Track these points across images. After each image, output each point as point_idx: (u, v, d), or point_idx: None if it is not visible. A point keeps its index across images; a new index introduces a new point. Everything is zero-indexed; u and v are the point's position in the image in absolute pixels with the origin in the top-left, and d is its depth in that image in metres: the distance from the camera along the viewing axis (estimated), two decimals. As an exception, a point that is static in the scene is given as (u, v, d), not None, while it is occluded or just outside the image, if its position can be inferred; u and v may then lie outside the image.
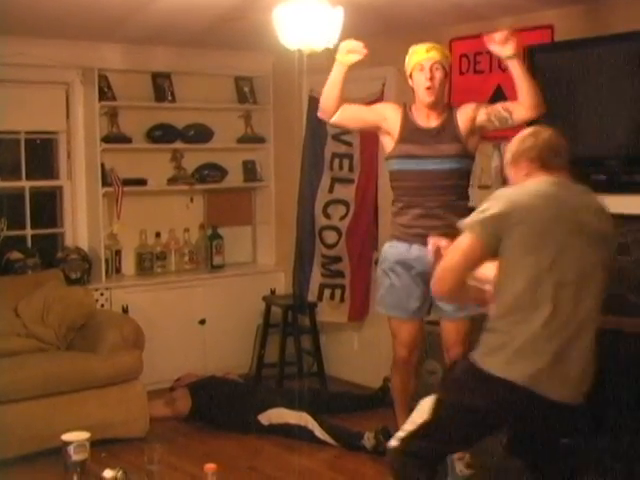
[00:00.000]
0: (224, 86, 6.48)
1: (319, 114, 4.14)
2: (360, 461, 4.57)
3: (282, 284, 6.47)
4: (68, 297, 5.22)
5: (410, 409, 3.59)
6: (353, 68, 5.63)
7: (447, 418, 2.87)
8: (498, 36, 3.81)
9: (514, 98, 4.59)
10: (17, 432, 4.50)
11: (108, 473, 3.17)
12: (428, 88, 3.84)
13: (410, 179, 3.94)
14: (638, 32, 3.93)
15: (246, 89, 6.53)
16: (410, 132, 3.92)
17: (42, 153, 5.96)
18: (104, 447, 3.73)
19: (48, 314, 5.08)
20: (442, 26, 5.13)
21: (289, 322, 6.04)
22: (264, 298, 6.22)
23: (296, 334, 6.01)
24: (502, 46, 3.81)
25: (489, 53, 4.94)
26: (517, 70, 3.81)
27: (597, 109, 4.04)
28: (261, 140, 6.57)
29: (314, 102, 6.10)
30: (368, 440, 4.72)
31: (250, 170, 6.62)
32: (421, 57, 3.86)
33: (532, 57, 4.32)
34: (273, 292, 6.41)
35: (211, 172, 6.42)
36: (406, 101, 4.13)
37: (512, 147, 3.01)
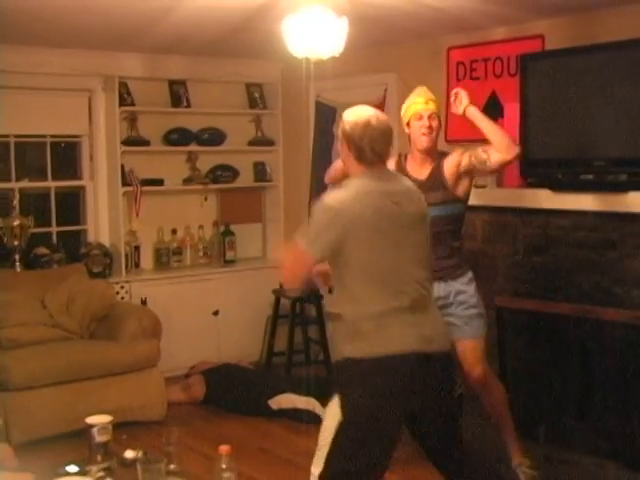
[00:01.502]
0: (236, 92, 6.49)
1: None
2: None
3: (291, 277, 6.48)
4: (91, 290, 5.24)
5: None
6: (356, 74, 5.67)
7: (356, 417, 2.79)
8: (452, 100, 3.90)
9: (509, 102, 4.62)
10: (45, 415, 4.55)
11: (129, 454, 3.18)
12: (424, 134, 3.84)
13: None
14: (623, 42, 3.94)
15: (256, 95, 6.55)
16: None
17: (66, 155, 5.99)
18: (125, 429, 3.75)
19: (72, 305, 5.11)
20: (440, 35, 5.15)
21: (297, 313, 6.06)
22: (274, 291, 6.23)
23: (304, 324, 6.05)
24: (457, 105, 3.87)
25: (484, 61, 5.01)
26: (476, 117, 3.82)
27: (585, 113, 4.04)
28: (270, 143, 6.59)
29: (320, 107, 6.14)
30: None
31: (260, 171, 6.64)
32: (420, 107, 3.86)
33: (524, 65, 4.33)
34: (282, 285, 6.42)
35: (224, 173, 6.44)
36: (402, 151, 4.10)
37: (345, 126, 2.92)
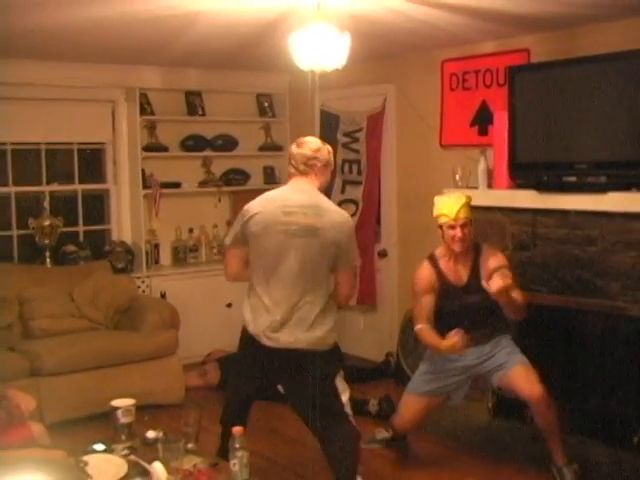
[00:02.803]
0: (247, 102, 6.51)
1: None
2: (366, 423, 4.61)
3: (298, 272, 6.49)
4: (115, 284, 5.28)
5: None
6: (358, 85, 5.69)
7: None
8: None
9: (498, 110, 4.62)
10: (74, 398, 4.59)
11: (151, 434, 3.18)
12: (459, 241, 3.72)
13: (449, 317, 3.79)
14: (601, 55, 3.95)
15: (266, 104, 6.57)
16: (447, 291, 3.80)
17: (92, 161, 6.01)
18: (147, 412, 3.75)
19: (98, 298, 5.13)
20: (435, 49, 5.16)
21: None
22: (282, 284, 6.25)
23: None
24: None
25: (475, 72, 5.03)
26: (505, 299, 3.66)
27: (568, 120, 4.05)
28: (279, 148, 6.60)
29: (325, 115, 6.15)
30: (373, 406, 4.78)
31: (269, 174, 6.66)
32: (451, 220, 3.71)
33: (512, 76, 4.34)
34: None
35: (236, 176, 6.45)
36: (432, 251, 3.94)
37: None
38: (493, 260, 3.79)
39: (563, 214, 4.11)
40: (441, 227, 3.79)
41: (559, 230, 4.18)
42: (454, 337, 3.59)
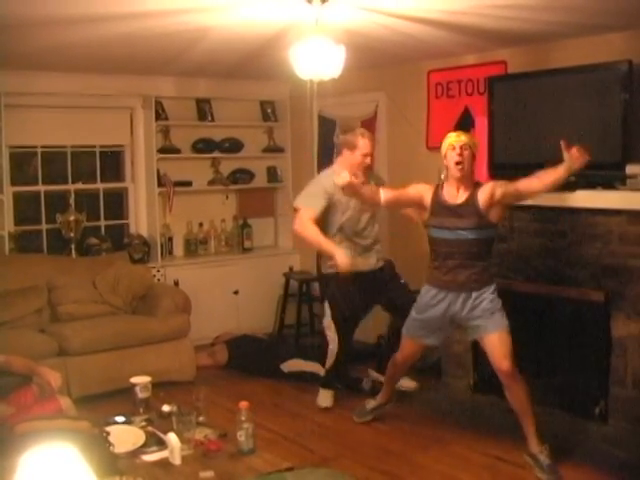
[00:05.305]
0: (252, 108, 6.50)
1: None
2: (359, 399, 4.64)
3: (298, 263, 6.49)
4: (133, 273, 5.30)
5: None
6: (352, 93, 5.70)
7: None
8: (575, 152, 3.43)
9: (479, 116, 4.64)
10: (97, 375, 4.62)
11: (166, 408, 3.20)
12: (457, 163, 3.60)
13: (441, 245, 3.72)
14: (571, 67, 3.98)
15: (269, 110, 6.57)
16: (438, 207, 3.69)
17: (112, 162, 6.02)
18: (162, 388, 3.77)
19: (118, 286, 5.15)
20: (422, 60, 5.17)
21: (304, 292, 6.08)
22: (284, 274, 6.25)
23: (309, 302, 6.07)
24: (573, 159, 3.42)
25: (458, 82, 5.04)
26: (560, 175, 3.47)
27: (540, 125, 4.07)
28: (281, 150, 6.61)
29: (323, 120, 6.16)
30: (366, 383, 4.79)
31: (272, 173, 6.66)
32: (453, 140, 3.65)
33: (491, 85, 4.35)
34: (291, 269, 6.42)
35: (242, 175, 6.46)
36: (438, 181, 3.86)
37: None
38: (489, 186, 3.68)
39: (537, 210, 4.11)
40: (445, 156, 3.69)
41: (533, 224, 4.19)
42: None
